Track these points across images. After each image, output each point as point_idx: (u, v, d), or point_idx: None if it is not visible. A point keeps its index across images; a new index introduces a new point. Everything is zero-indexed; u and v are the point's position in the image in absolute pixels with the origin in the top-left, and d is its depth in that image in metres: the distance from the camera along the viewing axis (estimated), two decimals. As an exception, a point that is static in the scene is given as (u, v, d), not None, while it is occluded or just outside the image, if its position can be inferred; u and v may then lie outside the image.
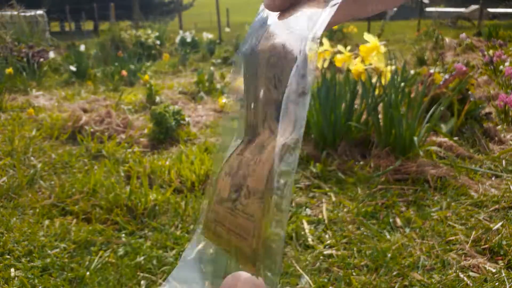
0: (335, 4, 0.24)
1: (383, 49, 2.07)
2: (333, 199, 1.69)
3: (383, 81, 2.14)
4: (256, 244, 0.24)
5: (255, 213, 0.24)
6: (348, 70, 2.19)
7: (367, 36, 2.06)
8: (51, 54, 5.25)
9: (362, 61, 2.11)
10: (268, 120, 0.26)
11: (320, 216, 1.55)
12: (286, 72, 0.24)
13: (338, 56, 2.20)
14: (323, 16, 0.24)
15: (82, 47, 5.64)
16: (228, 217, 0.26)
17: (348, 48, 2.27)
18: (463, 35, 6.12)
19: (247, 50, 0.27)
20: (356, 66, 2.10)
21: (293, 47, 0.24)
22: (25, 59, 4.50)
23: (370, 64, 2.10)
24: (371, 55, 2.04)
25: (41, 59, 4.67)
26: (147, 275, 1.25)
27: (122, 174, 1.96)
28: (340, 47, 2.21)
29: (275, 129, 0.25)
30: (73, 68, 4.72)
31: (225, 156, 0.28)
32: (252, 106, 0.27)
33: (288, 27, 0.25)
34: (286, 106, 0.24)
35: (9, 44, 4.71)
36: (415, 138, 1.93)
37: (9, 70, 3.46)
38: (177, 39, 7.07)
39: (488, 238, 1.37)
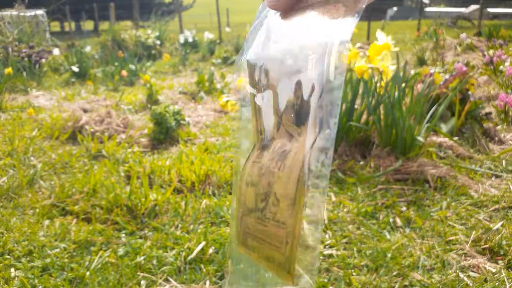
0: (360, 11, 0.23)
1: (394, 48, 2.07)
2: (333, 199, 1.69)
3: (383, 82, 2.14)
4: (289, 251, 0.23)
5: (286, 220, 0.24)
6: (350, 70, 2.19)
7: (379, 34, 2.05)
8: (56, 52, 5.25)
9: (368, 60, 2.11)
10: (285, 124, 0.25)
11: (320, 216, 1.55)
12: (306, 77, 0.23)
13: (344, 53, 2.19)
14: (349, 21, 0.23)
15: (88, 48, 5.65)
16: (258, 228, 0.25)
17: (358, 45, 2.26)
18: (463, 35, 6.12)
19: (252, 55, 0.26)
20: (360, 65, 2.10)
21: (315, 51, 0.23)
22: (25, 59, 4.50)
23: (374, 63, 2.10)
24: (379, 55, 2.03)
25: (42, 59, 4.67)
26: (147, 275, 1.25)
27: (122, 174, 1.96)
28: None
29: (296, 133, 0.24)
30: (75, 68, 4.73)
31: (242, 163, 0.27)
32: (264, 111, 0.26)
33: (301, 30, 0.24)
34: (313, 111, 0.23)
35: (10, 44, 4.72)
36: (419, 138, 1.93)
37: (9, 70, 3.45)
38: (181, 39, 7.06)
39: (488, 238, 1.37)
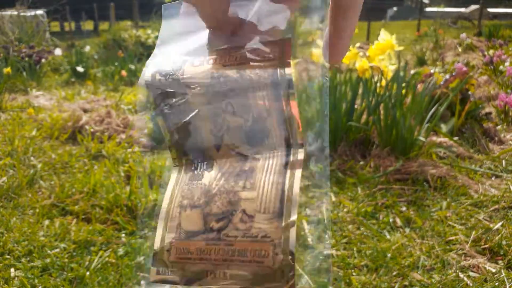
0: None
1: (397, 47, 2.07)
2: (333, 199, 1.69)
3: (383, 81, 2.14)
4: (278, 262, 0.23)
5: (270, 233, 0.23)
6: (350, 70, 2.19)
7: (384, 32, 2.05)
8: (58, 52, 5.25)
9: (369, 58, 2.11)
10: (231, 145, 0.25)
11: (320, 216, 1.55)
12: (243, 98, 0.24)
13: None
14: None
15: (87, 48, 5.65)
16: (214, 249, 0.24)
17: (357, 44, 2.27)
18: (463, 35, 6.12)
19: (166, 76, 0.26)
20: (362, 62, 2.10)
21: (254, 74, 0.23)
22: (25, 59, 4.50)
23: (375, 62, 2.10)
24: (382, 54, 2.03)
25: (42, 59, 4.67)
26: (147, 275, 1.25)
27: (122, 174, 1.96)
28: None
29: (251, 153, 0.24)
30: (80, 68, 4.73)
31: (166, 188, 0.27)
32: (191, 132, 0.26)
33: (237, 52, 0.24)
34: (270, 128, 0.23)
35: (11, 44, 4.72)
36: (421, 138, 1.93)
37: (7, 69, 3.45)
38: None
39: (488, 238, 1.37)
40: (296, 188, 0.23)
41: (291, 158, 0.24)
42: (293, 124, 0.23)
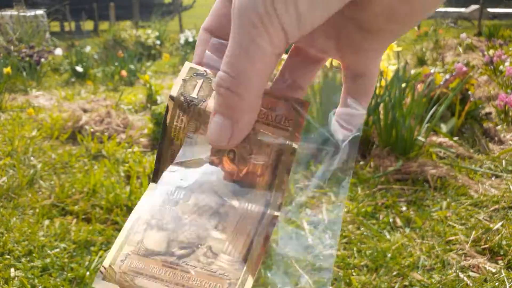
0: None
1: (396, 48, 2.07)
2: (333, 199, 1.69)
3: (383, 82, 2.14)
4: None
5: (230, 273, 0.24)
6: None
7: None
8: (58, 52, 5.25)
9: None
10: (215, 187, 0.26)
11: (320, 216, 1.55)
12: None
13: None
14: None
15: (87, 48, 5.64)
16: (170, 271, 0.24)
17: None
18: (463, 35, 6.12)
19: (189, 103, 0.26)
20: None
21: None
22: (26, 59, 4.50)
23: None
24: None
25: (42, 59, 4.67)
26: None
27: (122, 174, 1.96)
28: None
29: (232, 198, 0.26)
30: (79, 68, 4.73)
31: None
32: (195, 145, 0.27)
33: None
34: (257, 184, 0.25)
35: (11, 44, 4.72)
36: (421, 138, 1.93)
37: (7, 69, 3.45)
38: (181, 39, 7.07)
39: (488, 238, 1.37)
40: (268, 235, 0.24)
41: (270, 204, 0.25)
42: (283, 174, 0.24)
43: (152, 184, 0.27)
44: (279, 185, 0.25)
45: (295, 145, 0.24)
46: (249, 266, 0.24)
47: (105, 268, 0.24)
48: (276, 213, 0.25)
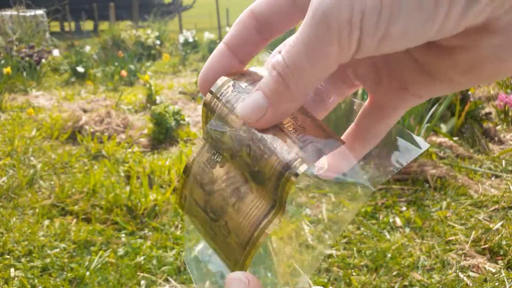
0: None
1: None
2: (333, 199, 1.69)
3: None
4: (241, 263, 0.26)
5: (237, 254, 0.26)
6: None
7: None
8: (56, 53, 5.25)
9: None
10: (239, 166, 0.27)
11: (320, 216, 1.55)
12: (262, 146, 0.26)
13: None
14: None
15: (87, 48, 5.64)
16: (204, 218, 0.27)
17: None
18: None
19: (221, 100, 0.27)
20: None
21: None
22: (26, 59, 4.50)
23: None
24: None
25: (42, 59, 4.67)
26: (147, 275, 1.25)
27: (122, 174, 1.96)
28: None
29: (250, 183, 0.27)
30: (80, 69, 4.73)
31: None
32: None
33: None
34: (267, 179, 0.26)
35: (10, 44, 4.72)
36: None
37: (7, 69, 3.45)
38: (180, 40, 7.07)
39: (488, 238, 1.37)
40: (267, 232, 0.26)
41: (274, 207, 0.26)
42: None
43: (201, 139, 0.28)
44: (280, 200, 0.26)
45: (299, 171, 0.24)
46: (245, 255, 0.26)
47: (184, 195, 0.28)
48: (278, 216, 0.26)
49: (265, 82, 0.22)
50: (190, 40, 7.09)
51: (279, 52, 0.21)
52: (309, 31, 0.19)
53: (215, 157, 0.27)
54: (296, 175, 0.23)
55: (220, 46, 0.26)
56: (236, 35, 0.25)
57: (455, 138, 2.19)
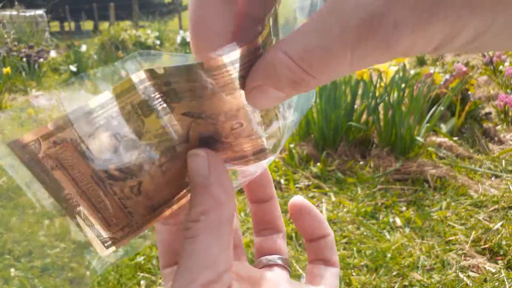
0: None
1: None
2: (333, 199, 1.69)
3: (383, 82, 2.14)
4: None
5: (135, 216, 0.24)
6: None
7: None
8: (52, 54, 5.25)
9: None
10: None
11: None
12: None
13: None
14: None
15: (83, 48, 5.64)
16: (90, 185, 0.22)
17: None
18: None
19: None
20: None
21: None
22: (24, 59, 4.50)
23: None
24: None
25: (41, 59, 4.67)
26: (147, 275, 1.25)
27: (122, 174, 1.96)
28: None
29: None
30: (73, 68, 4.73)
31: None
32: None
33: None
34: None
35: (9, 44, 4.71)
36: (419, 138, 1.93)
37: (7, 70, 3.45)
38: (178, 39, 7.06)
39: (488, 238, 1.37)
40: (174, 208, 0.25)
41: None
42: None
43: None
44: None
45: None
46: (148, 219, 0.24)
47: (32, 139, 0.21)
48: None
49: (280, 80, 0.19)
50: (188, 40, 7.07)
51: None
52: (328, 35, 0.17)
53: (155, 103, 0.21)
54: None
55: None
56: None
57: (455, 138, 2.19)
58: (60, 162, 0.21)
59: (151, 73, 0.21)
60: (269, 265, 0.30)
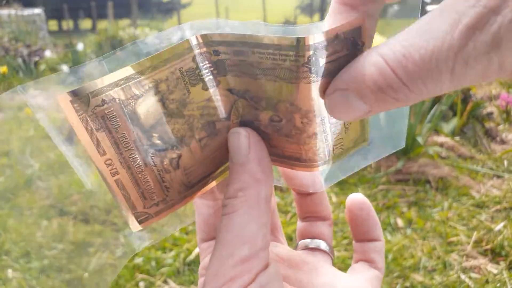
0: None
1: None
2: (334, 199, 1.68)
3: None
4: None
5: (170, 192, 0.23)
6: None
7: (378, 37, 2.05)
8: (48, 53, 5.24)
9: None
10: None
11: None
12: None
13: None
14: None
15: (80, 46, 5.62)
16: (124, 147, 0.21)
17: None
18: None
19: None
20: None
21: None
22: (21, 59, 4.48)
23: None
24: None
25: (38, 58, 4.66)
26: (145, 276, 1.24)
27: (121, 174, 1.95)
28: None
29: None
30: (65, 68, 4.72)
31: None
32: None
33: None
34: None
35: (5, 43, 4.70)
36: (421, 138, 1.92)
37: (4, 69, 3.43)
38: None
39: (490, 239, 1.36)
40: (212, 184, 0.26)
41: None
42: None
43: None
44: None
45: None
46: (183, 196, 0.23)
47: (84, 94, 0.19)
48: None
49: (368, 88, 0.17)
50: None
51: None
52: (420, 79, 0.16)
53: (204, 73, 0.21)
54: None
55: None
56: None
57: (457, 138, 2.18)
58: (106, 123, 0.20)
59: (204, 38, 0.20)
60: (311, 249, 0.30)
